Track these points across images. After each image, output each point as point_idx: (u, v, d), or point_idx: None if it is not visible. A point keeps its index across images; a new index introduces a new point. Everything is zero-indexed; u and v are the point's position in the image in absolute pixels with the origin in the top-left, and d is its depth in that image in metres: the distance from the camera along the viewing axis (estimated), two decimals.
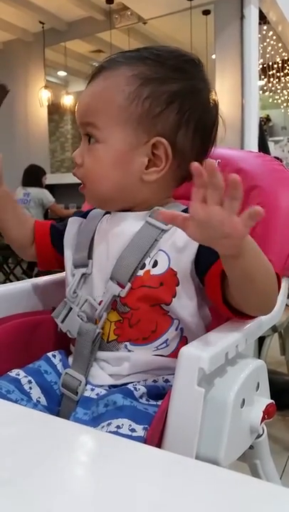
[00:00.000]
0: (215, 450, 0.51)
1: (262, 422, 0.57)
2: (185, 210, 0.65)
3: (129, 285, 0.61)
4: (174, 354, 0.62)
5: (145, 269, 0.62)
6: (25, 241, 0.77)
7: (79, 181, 0.66)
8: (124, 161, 0.62)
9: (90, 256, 0.67)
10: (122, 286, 0.62)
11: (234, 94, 4.12)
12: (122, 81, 0.61)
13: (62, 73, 5.44)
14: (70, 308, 0.66)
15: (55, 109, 5.33)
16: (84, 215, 0.74)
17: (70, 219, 0.75)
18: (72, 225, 0.73)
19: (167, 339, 0.62)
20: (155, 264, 0.62)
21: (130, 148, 0.61)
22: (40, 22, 4.92)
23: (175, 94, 0.61)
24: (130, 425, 0.52)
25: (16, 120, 5.53)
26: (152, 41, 4.84)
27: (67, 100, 5.21)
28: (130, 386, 0.59)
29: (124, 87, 0.61)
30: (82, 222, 0.73)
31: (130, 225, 0.65)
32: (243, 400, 0.54)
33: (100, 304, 0.63)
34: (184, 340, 0.63)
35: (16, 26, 5.09)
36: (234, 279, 0.53)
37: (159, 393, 0.59)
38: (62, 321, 0.67)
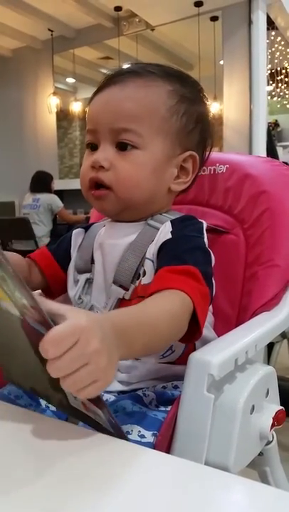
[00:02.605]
0: (224, 456, 0.50)
1: (271, 428, 0.57)
2: (181, 219, 0.66)
3: (132, 287, 0.62)
4: (182, 359, 0.62)
5: (139, 279, 0.62)
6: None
7: None
8: (160, 170, 0.64)
9: (92, 261, 0.68)
10: (126, 289, 0.62)
11: (242, 100, 4.12)
12: (164, 94, 0.64)
13: (70, 80, 5.48)
14: None
15: (63, 116, 5.37)
16: (86, 227, 0.74)
17: (74, 231, 0.74)
18: (78, 236, 0.73)
19: (172, 345, 0.62)
20: (144, 274, 0.62)
21: (167, 158, 0.64)
22: (49, 29, 4.96)
23: (201, 115, 0.67)
24: (139, 431, 0.52)
25: (25, 127, 5.58)
26: (160, 48, 4.86)
27: (76, 107, 5.25)
28: (139, 392, 0.59)
29: (166, 100, 0.63)
30: (85, 234, 0.73)
31: (130, 232, 0.65)
32: (253, 407, 0.54)
33: (104, 309, 0.64)
34: (190, 344, 0.63)
35: (25, 34, 5.14)
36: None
37: (168, 399, 0.59)
38: None
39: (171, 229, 0.63)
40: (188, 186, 0.69)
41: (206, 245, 0.63)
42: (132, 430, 0.51)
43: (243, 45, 4.05)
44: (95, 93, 0.66)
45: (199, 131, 0.67)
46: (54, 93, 5.23)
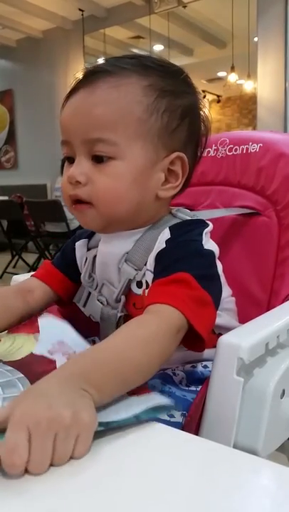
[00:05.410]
0: (253, 440, 0.50)
1: None
2: (180, 224, 0.61)
3: (145, 268, 0.60)
4: (208, 345, 0.62)
5: (142, 288, 0.60)
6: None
7: None
8: (144, 178, 0.58)
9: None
10: (139, 269, 0.60)
11: (277, 78, 3.99)
12: (139, 91, 0.56)
13: (101, 61, 5.44)
14: (90, 293, 0.67)
15: None
16: (89, 236, 0.71)
17: (76, 244, 0.71)
18: (81, 249, 0.71)
19: None
20: (147, 285, 0.60)
21: (150, 164, 0.58)
22: (80, 9, 4.93)
23: (186, 109, 0.59)
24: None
25: (56, 109, 5.59)
26: (192, 25, 4.75)
27: None
28: (169, 371, 0.60)
29: (141, 98, 0.56)
30: (88, 243, 0.70)
31: (128, 242, 0.62)
32: (283, 391, 0.53)
33: (116, 289, 0.62)
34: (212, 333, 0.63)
35: (56, 14, 5.12)
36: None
37: (198, 378, 0.59)
38: (84, 306, 0.67)
39: (169, 236, 0.58)
40: (181, 189, 0.62)
41: (204, 247, 0.57)
42: None
43: (279, 20, 3.91)
44: (66, 98, 0.59)
45: (187, 127, 0.60)
46: None
